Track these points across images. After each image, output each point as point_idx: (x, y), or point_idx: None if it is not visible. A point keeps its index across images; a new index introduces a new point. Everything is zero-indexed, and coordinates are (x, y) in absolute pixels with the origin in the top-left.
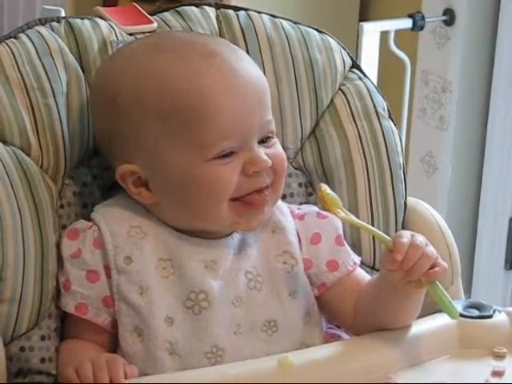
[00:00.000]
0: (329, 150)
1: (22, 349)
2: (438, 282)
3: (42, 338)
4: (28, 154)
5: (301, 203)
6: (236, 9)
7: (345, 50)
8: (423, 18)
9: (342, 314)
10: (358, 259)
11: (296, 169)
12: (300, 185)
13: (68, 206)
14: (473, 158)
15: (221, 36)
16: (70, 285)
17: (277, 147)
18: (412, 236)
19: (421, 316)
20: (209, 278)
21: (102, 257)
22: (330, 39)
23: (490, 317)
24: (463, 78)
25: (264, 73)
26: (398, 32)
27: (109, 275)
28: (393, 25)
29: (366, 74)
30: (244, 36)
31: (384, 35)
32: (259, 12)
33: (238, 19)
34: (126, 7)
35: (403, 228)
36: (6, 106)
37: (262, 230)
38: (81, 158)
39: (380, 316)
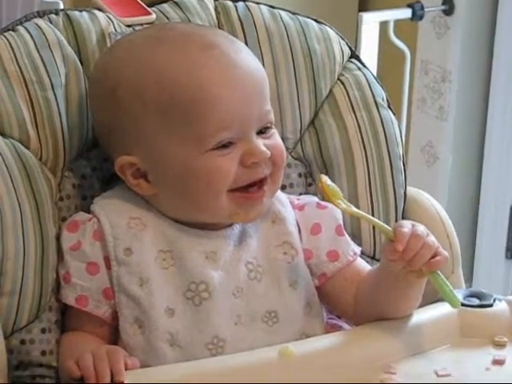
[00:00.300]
0: (328, 141)
1: (23, 341)
2: (439, 272)
3: (43, 330)
4: (27, 147)
5: (300, 194)
6: (234, 0)
7: (343, 40)
8: (422, 7)
9: (342, 304)
10: (358, 249)
11: (295, 159)
12: (299, 175)
13: (67, 198)
14: (473, 148)
15: (219, 27)
16: (70, 277)
17: (275, 138)
18: (413, 226)
19: (422, 305)
20: (209, 269)
21: (101, 249)
22: (329, 29)
23: (490, 306)
24: (463, 67)
25: (263, 64)
26: (398, 22)
27: (109, 267)
28: (392, 15)
29: (366, 64)
30: (242, 27)
31: (383, 25)
32: (257, 3)
33: (237, 10)
34: None
35: (403, 218)
36: (5, 99)
37: (261, 221)
38: (80, 150)
39: (381, 306)
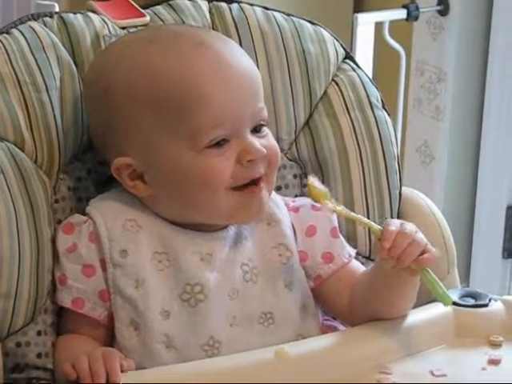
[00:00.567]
0: (323, 141)
1: (19, 344)
2: (430, 270)
3: (39, 333)
4: (22, 149)
5: (296, 195)
6: (228, 1)
7: (338, 41)
8: (417, 8)
9: (337, 306)
10: (353, 251)
11: (290, 160)
12: (295, 176)
13: (63, 200)
14: (469, 147)
15: (213, 29)
16: (66, 279)
17: (270, 138)
18: (401, 224)
19: (417, 305)
20: (204, 271)
21: (97, 251)
22: (323, 31)
23: (485, 305)
24: (458, 67)
25: (257, 65)
26: (393, 22)
27: (105, 269)
28: (387, 15)
29: (360, 64)
30: (237, 28)
31: (378, 26)
32: (252, 4)
33: (231, 12)
34: (119, 1)
35: (398, 218)
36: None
37: (257, 223)
38: (75, 152)
39: (375, 306)
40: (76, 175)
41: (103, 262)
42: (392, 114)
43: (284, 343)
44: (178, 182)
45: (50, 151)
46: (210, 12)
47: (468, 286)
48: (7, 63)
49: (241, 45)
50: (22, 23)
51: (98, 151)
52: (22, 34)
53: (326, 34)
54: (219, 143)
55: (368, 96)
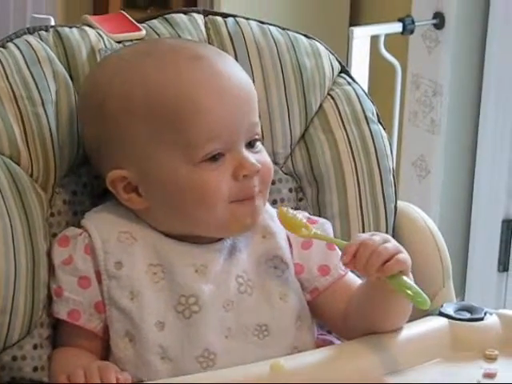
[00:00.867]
0: (318, 155)
1: (14, 358)
2: (404, 277)
3: (35, 346)
4: (18, 163)
5: (291, 208)
6: (224, 15)
7: (333, 55)
8: (413, 21)
9: (333, 319)
10: None
11: (286, 174)
12: (290, 190)
13: (58, 214)
14: (465, 161)
15: (209, 43)
16: (62, 291)
17: (264, 155)
18: (370, 236)
19: (413, 319)
20: (199, 283)
21: (93, 263)
22: (319, 45)
23: (481, 319)
24: (454, 81)
25: (253, 79)
26: (388, 36)
27: (100, 281)
28: (383, 29)
29: (356, 78)
30: (232, 42)
31: (374, 39)
32: (247, 18)
33: (226, 26)
34: (114, 15)
35: (394, 232)
36: None
37: (252, 235)
38: (71, 166)
39: (368, 318)
40: (72, 189)
41: (98, 274)
42: (388, 127)
43: (279, 355)
44: (174, 195)
45: (45, 165)
46: (205, 26)
47: (463, 300)
48: (3, 77)
49: (236, 59)
50: (17, 37)
51: (93, 164)
52: (18, 48)
53: (322, 48)
54: (214, 157)
55: (363, 110)
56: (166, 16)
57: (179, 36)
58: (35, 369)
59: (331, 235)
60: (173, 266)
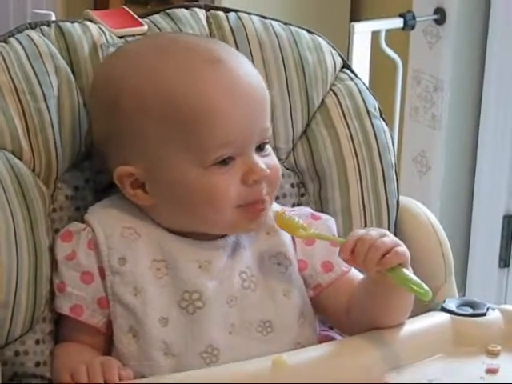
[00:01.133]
0: (320, 151)
1: (17, 353)
2: (404, 270)
3: (37, 341)
4: (20, 158)
5: (293, 204)
6: (226, 10)
7: (335, 50)
8: (414, 17)
9: (336, 315)
10: None
11: (288, 169)
12: (292, 185)
13: (60, 209)
14: (465, 157)
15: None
16: (65, 286)
17: (273, 158)
18: (366, 231)
19: (415, 314)
20: (203, 278)
21: (96, 258)
22: (321, 40)
23: (483, 314)
24: (455, 76)
25: None
26: (389, 32)
27: (103, 276)
28: (384, 24)
29: (357, 74)
30: (234, 37)
31: (375, 35)
32: (249, 13)
33: (228, 20)
34: (116, 10)
35: (396, 227)
36: None
37: (256, 232)
38: (73, 161)
39: (370, 312)
40: (74, 184)
41: (102, 270)
42: (388, 123)
43: (282, 351)
44: (181, 196)
45: (47, 160)
46: (207, 21)
47: (464, 295)
48: (5, 72)
49: None
50: (19, 32)
51: (100, 157)
52: (20, 43)
53: (324, 43)
54: (225, 161)
55: (366, 105)
56: (167, 11)
57: (181, 31)
58: (37, 364)
59: (334, 231)
60: (177, 262)
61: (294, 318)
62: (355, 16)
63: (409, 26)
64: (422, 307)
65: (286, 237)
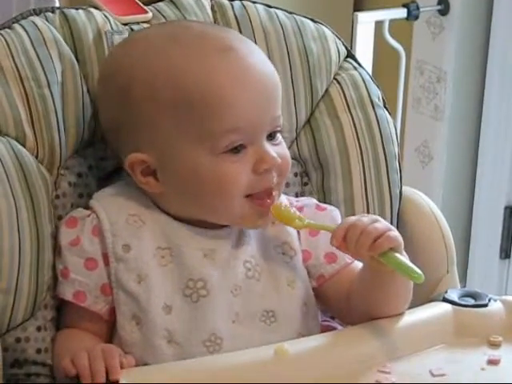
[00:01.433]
0: (324, 140)
1: (18, 339)
2: (396, 254)
3: (38, 328)
4: (23, 145)
5: (296, 193)
6: None
7: (340, 39)
8: (418, 7)
9: (338, 305)
10: None
11: (291, 158)
12: (295, 174)
13: (64, 196)
14: (468, 148)
15: None
16: (69, 272)
17: (283, 147)
18: (358, 217)
19: (416, 305)
20: (208, 267)
21: (100, 245)
22: (325, 29)
23: (485, 305)
24: (458, 67)
25: None
26: (393, 22)
27: (107, 263)
28: (387, 14)
29: (361, 63)
30: (239, 26)
31: (378, 25)
32: (254, 2)
33: (233, 9)
34: None
35: (398, 218)
36: (1, 97)
37: None
38: (76, 148)
39: (369, 300)
40: (77, 171)
41: (106, 257)
42: (391, 113)
43: (286, 341)
44: (192, 183)
45: (51, 147)
46: (212, 9)
47: (465, 286)
48: (9, 58)
49: None
50: (23, 18)
51: (109, 145)
52: (24, 29)
53: (328, 33)
54: (236, 148)
55: (369, 95)
56: None
57: (185, 18)
58: (38, 351)
59: (339, 222)
60: (181, 250)
61: (298, 308)
62: (359, 6)
63: (412, 16)
64: (424, 298)
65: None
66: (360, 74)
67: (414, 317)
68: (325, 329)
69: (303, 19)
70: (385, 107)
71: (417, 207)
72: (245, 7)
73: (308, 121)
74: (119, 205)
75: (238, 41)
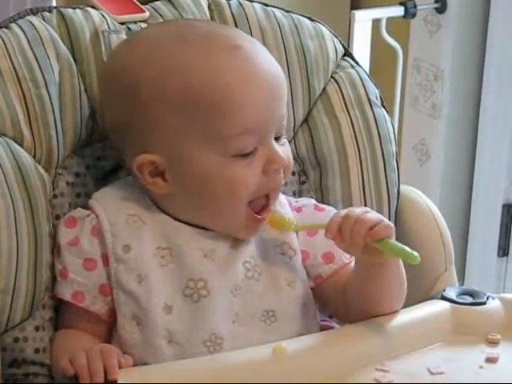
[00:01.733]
0: (321, 139)
1: (16, 339)
2: (390, 240)
3: (36, 328)
4: (21, 145)
5: (294, 191)
6: None
7: (337, 38)
8: (415, 5)
9: (336, 305)
10: None
11: None
12: (293, 173)
13: (61, 195)
14: (465, 146)
15: None
16: (68, 272)
17: (287, 147)
18: (348, 210)
19: (415, 303)
20: (208, 267)
21: (99, 245)
22: (322, 27)
23: (483, 303)
24: (455, 65)
25: None
26: (390, 20)
27: (106, 263)
28: (384, 12)
29: (359, 62)
30: (236, 24)
31: (376, 23)
32: (251, 0)
33: (230, 8)
34: None
35: (396, 216)
36: None
37: None
38: (74, 147)
39: (364, 296)
40: (75, 170)
41: (105, 257)
42: (389, 111)
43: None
44: (202, 185)
45: (48, 146)
46: (209, 8)
47: (463, 284)
48: (6, 58)
49: None
50: (20, 18)
51: (115, 145)
52: (21, 29)
53: (326, 31)
54: (246, 152)
55: (367, 93)
56: None
57: (182, 18)
58: (37, 350)
59: None
60: (181, 250)
61: (298, 308)
62: (356, 4)
63: (409, 14)
64: (422, 296)
65: None
66: (357, 72)
67: (412, 315)
68: (323, 328)
69: (300, 18)
70: (382, 105)
71: (415, 205)
72: (242, 6)
73: (306, 119)
74: (119, 205)
75: (244, 39)
